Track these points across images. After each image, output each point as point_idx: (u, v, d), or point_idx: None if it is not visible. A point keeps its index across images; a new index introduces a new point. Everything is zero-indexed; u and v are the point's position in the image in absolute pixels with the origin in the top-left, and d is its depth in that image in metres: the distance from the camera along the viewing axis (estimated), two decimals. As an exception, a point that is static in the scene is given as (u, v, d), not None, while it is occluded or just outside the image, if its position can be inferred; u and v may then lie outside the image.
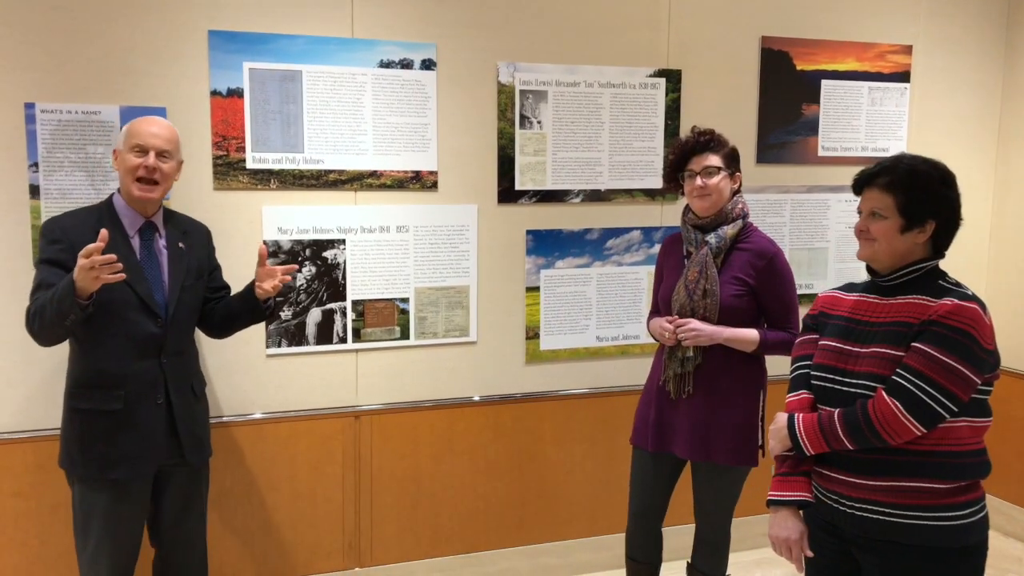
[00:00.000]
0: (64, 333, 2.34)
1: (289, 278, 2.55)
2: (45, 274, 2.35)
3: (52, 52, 2.78)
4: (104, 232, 2.16)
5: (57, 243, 2.37)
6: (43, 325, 2.28)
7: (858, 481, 1.96)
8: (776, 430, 2.07)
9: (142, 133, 2.41)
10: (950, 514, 1.90)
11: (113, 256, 2.15)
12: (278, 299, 3.01)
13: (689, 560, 2.90)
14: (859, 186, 2.07)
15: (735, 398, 2.70)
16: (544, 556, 3.54)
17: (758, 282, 2.67)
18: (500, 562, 3.48)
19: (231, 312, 2.64)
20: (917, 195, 1.95)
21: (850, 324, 2.04)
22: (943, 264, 2.04)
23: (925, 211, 1.96)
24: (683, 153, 2.73)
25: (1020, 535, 3.98)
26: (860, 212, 2.07)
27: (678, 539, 2.94)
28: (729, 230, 2.68)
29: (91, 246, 2.12)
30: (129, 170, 2.40)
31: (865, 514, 1.96)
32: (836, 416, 1.95)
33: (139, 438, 2.42)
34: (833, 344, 2.05)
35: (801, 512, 2.08)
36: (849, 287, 2.16)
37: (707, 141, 2.70)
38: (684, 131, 3.44)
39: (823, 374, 2.04)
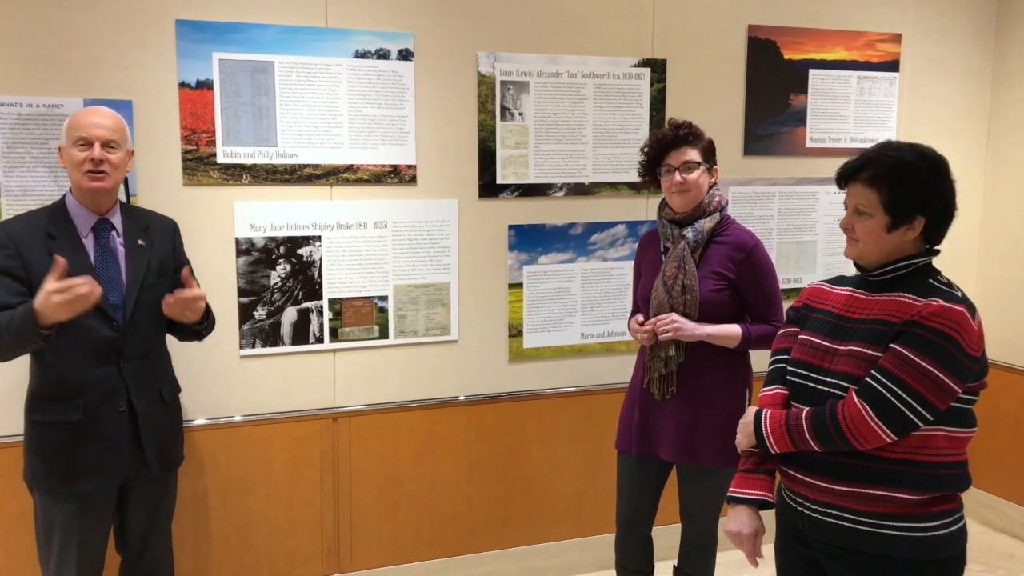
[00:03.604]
0: (21, 355, 2.25)
1: (201, 305, 2.36)
2: None
3: (11, 42, 2.66)
4: (62, 260, 2.06)
5: (4, 248, 2.26)
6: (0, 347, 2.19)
7: (824, 485, 1.86)
8: (743, 424, 1.99)
9: (84, 125, 2.29)
10: (922, 524, 1.79)
11: (91, 279, 2.06)
12: (251, 298, 2.93)
13: (675, 563, 2.83)
14: (842, 180, 1.94)
15: (720, 397, 2.63)
16: (530, 558, 3.46)
17: (738, 275, 2.59)
18: (484, 565, 3.40)
19: (173, 324, 2.50)
20: (903, 190, 1.81)
21: (832, 319, 1.94)
22: (938, 260, 1.92)
23: (913, 206, 1.82)
24: (660, 147, 2.65)
25: (1011, 530, 3.93)
26: (846, 208, 1.95)
27: (663, 539, 2.87)
28: (707, 223, 2.61)
29: (64, 281, 2.02)
30: (75, 165, 2.28)
31: (830, 520, 1.85)
32: (804, 416, 1.85)
33: (102, 449, 2.32)
34: (811, 339, 1.95)
35: (762, 512, 1.99)
36: (839, 280, 2.05)
37: (685, 135, 2.61)
38: (670, 122, 3.37)
39: (798, 370, 1.95)
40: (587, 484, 3.52)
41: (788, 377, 1.98)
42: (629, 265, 3.44)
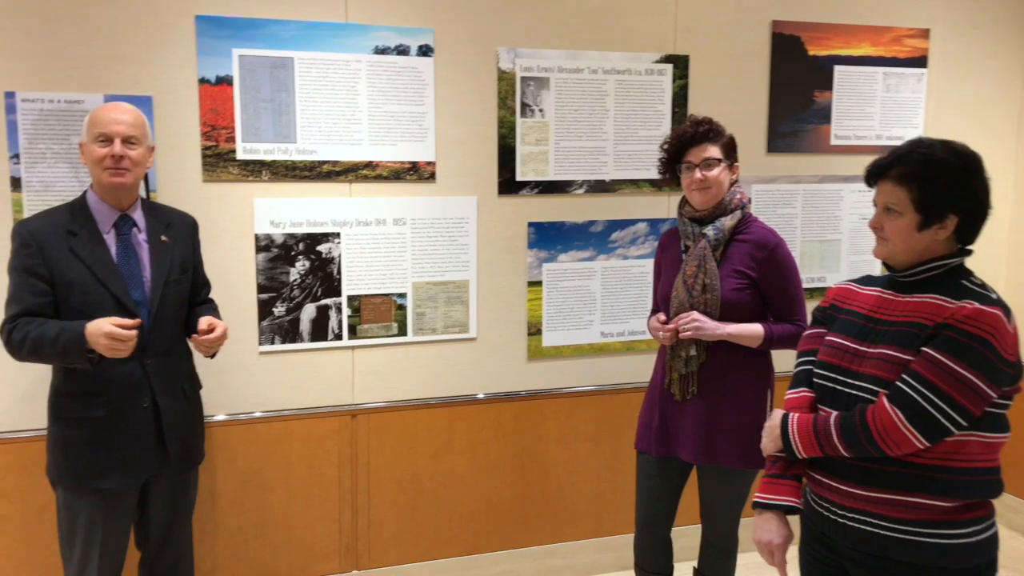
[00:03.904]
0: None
1: (225, 339, 2.45)
2: (16, 283, 2.27)
3: (33, 38, 2.67)
4: (139, 321, 2.20)
5: (26, 247, 2.27)
6: (34, 358, 2.24)
7: (852, 490, 1.82)
8: (769, 428, 1.95)
9: (104, 120, 2.29)
10: (953, 532, 1.74)
11: (134, 335, 2.16)
12: (271, 295, 2.93)
13: (696, 565, 2.80)
14: (871, 178, 1.89)
15: (741, 398, 2.59)
16: (547, 558, 3.44)
17: (760, 274, 2.55)
18: (502, 564, 3.39)
19: (192, 333, 2.52)
20: (934, 188, 1.76)
21: (861, 321, 1.89)
22: (971, 261, 1.87)
23: (944, 205, 1.77)
24: (680, 144, 2.62)
25: (1039, 535, 3.86)
26: (875, 206, 1.90)
27: (683, 541, 2.84)
28: (728, 221, 2.57)
29: (122, 328, 2.14)
30: (96, 161, 2.29)
31: (858, 525, 1.82)
32: (832, 420, 1.81)
33: (126, 445, 2.33)
34: (839, 341, 1.91)
35: (788, 517, 1.95)
36: (866, 280, 2.00)
37: (705, 131, 2.58)
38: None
39: (825, 372, 1.90)
40: (606, 484, 3.49)
41: (815, 380, 1.93)
42: (650, 263, 3.41)
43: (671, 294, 2.62)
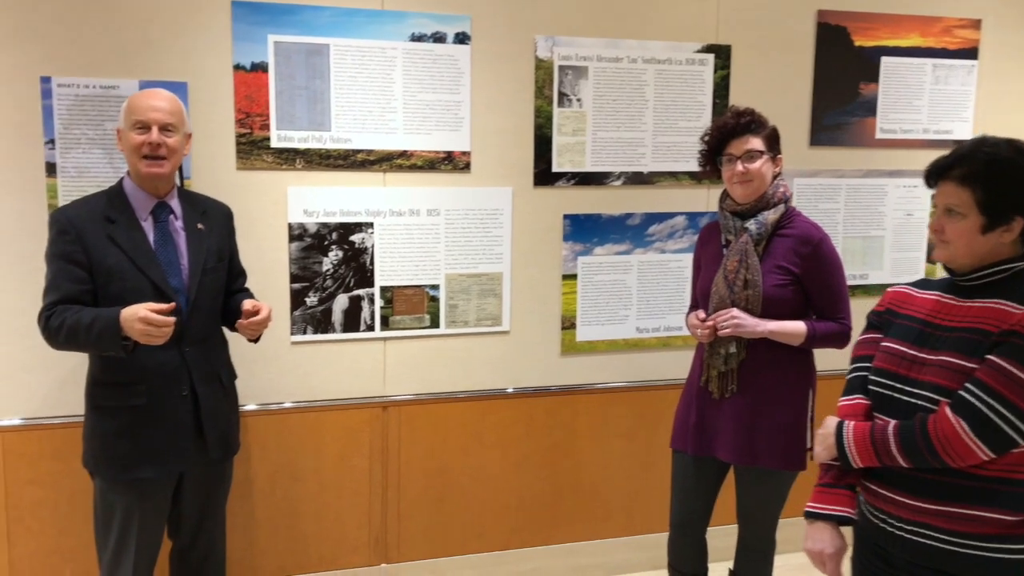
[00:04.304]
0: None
1: (270, 321, 2.42)
2: (55, 271, 2.25)
3: (68, 23, 2.66)
4: (174, 305, 2.17)
5: (64, 234, 2.25)
6: (70, 345, 2.22)
7: (911, 502, 1.74)
8: (823, 436, 1.88)
9: (142, 108, 2.27)
10: (1017, 547, 1.67)
11: (171, 321, 2.13)
12: (304, 284, 2.91)
13: (731, 567, 2.74)
14: (932, 178, 1.80)
15: (782, 397, 2.52)
16: (578, 556, 3.39)
17: (803, 270, 2.48)
18: (532, 561, 3.34)
19: (230, 321, 2.50)
20: (1000, 189, 1.68)
21: (919, 326, 1.81)
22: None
23: (1010, 207, 1.69)
24: (721, 136, 2.55)
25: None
26: (935, 207, 1.82)
27: (717, 541, 2.77)
28: (770, 215, 2.49)
29: (157, 314, 2.11)
30: (133, 148, 2.27)
31: (917, 539, 1.74)
32: (891, 429, 1.74)
33: (165, 434, 2.31)
34: (897, 347, 1.83)
35: (841, 528, 1.88)
36: (924, 283, 1.92)
37: (748, 123, 2.50)
38: (734, 111, 3.26)
39: (882, 379, 1.82)
40: (639, 482, 3.43)
41: (870, 387, 1.86)
42: (688, 258, 3.34)
43: (711, 290, 2.55)
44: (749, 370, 2.51)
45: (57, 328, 2.19)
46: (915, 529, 1.74)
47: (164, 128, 2.27)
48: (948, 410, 1.66)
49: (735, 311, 2.45)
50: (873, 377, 1.85)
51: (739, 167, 2.49)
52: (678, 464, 2.70)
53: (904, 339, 1.82)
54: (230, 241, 2.52)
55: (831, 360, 2.79)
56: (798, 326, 2.48)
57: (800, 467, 2.54)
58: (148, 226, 2.31)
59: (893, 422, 1.75)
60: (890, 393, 1.80)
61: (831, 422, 1.86)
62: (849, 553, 1.96)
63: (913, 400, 1.75)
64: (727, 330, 2.45)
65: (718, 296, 2.52)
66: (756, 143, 2.49)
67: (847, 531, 1.91)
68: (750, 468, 2.55)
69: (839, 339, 2.51)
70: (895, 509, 1.77)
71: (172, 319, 2.12)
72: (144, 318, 2.07)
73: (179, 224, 2.36)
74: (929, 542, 1.72)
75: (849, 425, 1.82)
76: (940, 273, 1.94)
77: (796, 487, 2.59)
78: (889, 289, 1.99)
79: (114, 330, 2.11)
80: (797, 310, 2.51)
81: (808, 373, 2.57)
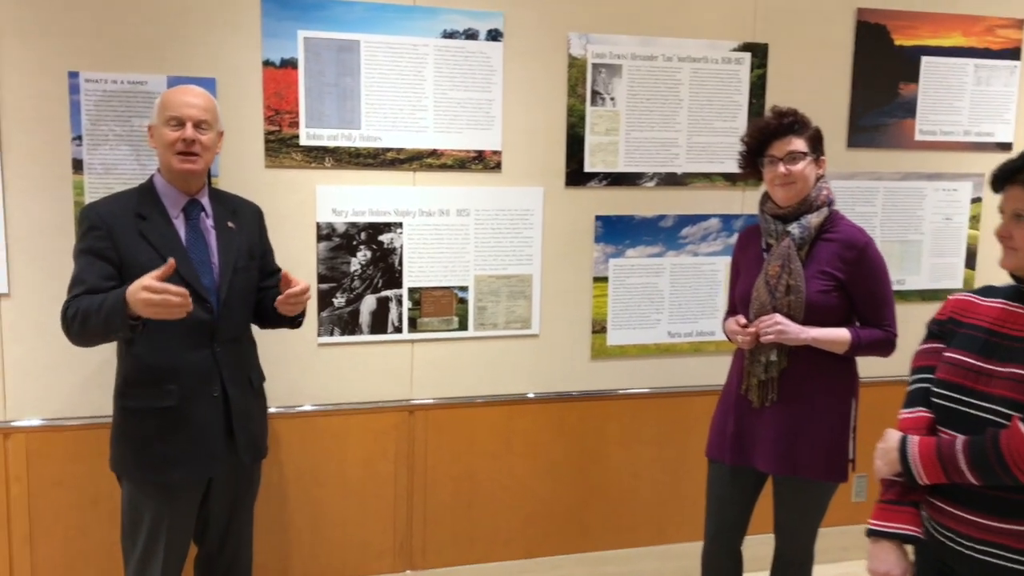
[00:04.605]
0: (105, 342, 2.19)
1: (308, 296, 2.30)
2: (83, 265, 2.19)
3: (97, 17, 2.61)
4: (172, 262, 2.00)
5: (95, 230, 2.19)
6: (84, 332, 2.12)
7: (982, 520, 1.67)
8: (885, 451, 1.80)
9: (176, 104, 2.22)
10: None
11: (185, 292, 1.98)
12: (331, 285, 2.85)
13: (768, 580, 2.67)
14: (999, 182, 1.72)
15: (824, 406, 2.45)
16: (607, 564, 3.32)
17: (848, 276, 2.40)
18: (560, 569, 3.27)
19: (267, 313, 2.44)
20: None
21: (985, 336, 1.73)
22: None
23: None
24: (762, 137, 2.47)
25: None
26: (1002, 213, 1.73)
27: (751, 551, 2.69)
28: (814, 219, 2.42)
29: (159, 281, 1.96)
30: (167, 145, 2.22)
31: (987, 559, 1.66)
32: (959, 445, 1.66)
33: (196, 436, 2.25)
34: (962, 358, 1.75)
35: (906, 547, 1.80)
36: (988, 291, 1.84)
37: (790, 123, 2.43)
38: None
39: (947, 392, 1.75)
40: (670, 490, 3.36)
41: (934, 399, 1.78)
42: (721, 261, 3.26)
43: (751, 295, 2.48)
44: (791, 378, 2.44)
45: (72, 317, 2.13)
46: (983, 548, 1.67)
47: (198, 125, 2.22)
48: (1021, 425, 1.59)
49: (778, 317, 2.38)
50: (937, 389, 1.77)
51: (781, 169, 2.41)
52: (714, 474, 2.63)
53: (969, 350, 1.74)
54: (261, 240, 2.46)
55: (873, 367, 2.70)
56: (842, 334, 2.40)
57: (842, 478, 2.46)
58: (179, 224, 2.26)
59: (962, 437, 1.67)
60: (956, 406, 1.72)
61: (893, 436, 1.78)
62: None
63: (982, 414, 1.67)
64: (770, 337, 2.38)
65: (759, 302, 2.45)
66: (799, 144, 2.41)
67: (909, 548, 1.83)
68: (789, 479, 2.48)
69: (884, 347, 2.44)
70: (962, 527, 1.70)
71: (176, 288, 1.97)
72: (148, 286, 1.95)
73: (210, 222, 2.30)
74: (998, 561, 1.65)
75: (913, 440, 1.74)
76: (980, 279, 1.86)
77: (834, 498, 2.51)
78: (951, 297, 1.91)
79: (120, 307, 2.00)
80: (841, 317, 2.43)
81: (851, 381, 2.49)
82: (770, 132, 2.46)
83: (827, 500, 2.52)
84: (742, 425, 2.52)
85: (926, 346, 1.88)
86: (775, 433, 2.45)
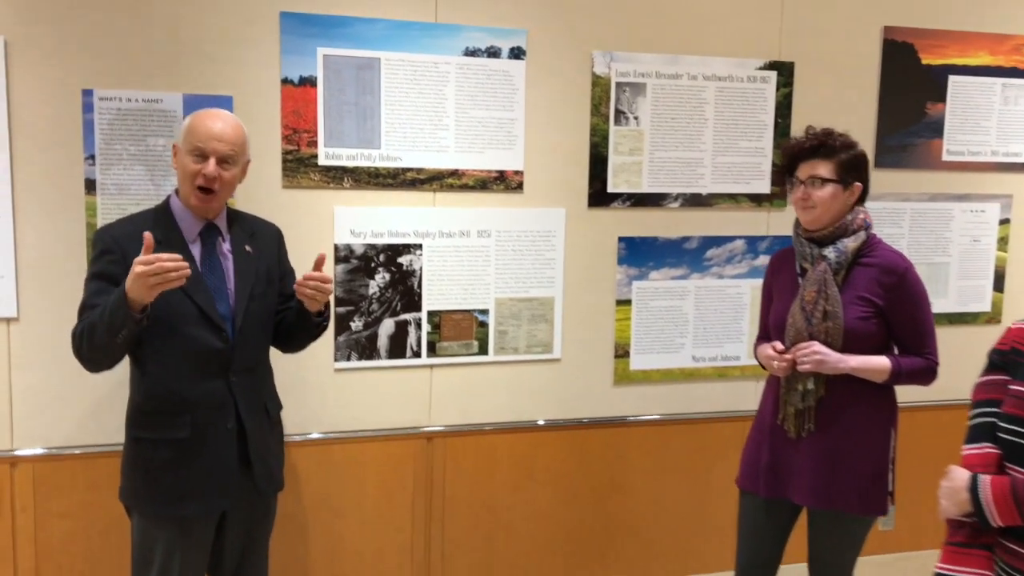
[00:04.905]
0: (115, 356, 2.08)
1: (330, 287, 2.19)
2: (93, 290, 2.10)
3: (111, 33, 2.54)
4: (148, 236, 1.92)
5: (108, 254, 2.11)
6: (92, 346, 2.03)
7: None
8: (952, 490, 1.71)
9: (203, 134, 2.11)
10: None
11: (179, 256, 1.91)
12: (349, 308, 2.76)
13: (803, 616, 2.57)
14: None
15: (863, 436, 2.36)
16: (629, 596, 3.22)
17: (887, 302, 2.32)
18: (581, 601, 3.18)
19: (289, 327, 2.36)
20: None
21: None
22: None
23: None
24: (791, 157, 2.41)
25: None
26: None
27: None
28: (850, 243, 2.34)
29: (147, 256, 1.89)
30: (186, 175, 2.12)
31: None
32: None
33: (209, 469, 2.16)
34: None
35: None
36: None
37: (815, 146, 2.36)
38: (796, 131, 3.11)
39: (1016, 427, 1.66)
40: (695, 520, 3.26)
41: (1001, 435, 1.69)
42: (746, 284, 3.19)
43: (786, 321, 2.39)
44: (828, 408, 2.35)
45: (79, 336, 2.05)
46: None
47: (223, 160, 2.12)
48: None
49: (817, 345, 2.29)
50: (1004, 424, 1.69)
51: (800, 192, 2.35)
52: (747, 506, 2.54)
53: None
54: (280, 263, 2.38)
55: (907, 392, 2.61)
56: (883, 362, 2.32)
57: (881, 512, 2.38)
58: (196, 249, 2.17)
59: None
60: None
61: (960, 474, 1.70)
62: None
63: None
64: (807, 366, 2.30)
65: (795, 328, 2.36)
66: (823, 169, 2.34)
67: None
68: (827, 512, 2.39)
69: (926, 376, 2.36)
70: None
71: (168, 254, 1.90)
72: (138, 260, 1.88)
73: (227, 247, 2.22)
74: None
75: (985, 479, 1.65)
76: (1008, 303, 1.77)
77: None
78: (1012, 325, 1.82)
79: (121, 301, 1.92)
80: (879, 344, 2.36)
81: (891, 411, 2.41)
82: (795, 153, 2.40)
83: (864, 534, 2.44)
84: (777, 456, 2.44)
85: (988, 378, 1.80)
86: (812, 464, 2.36)
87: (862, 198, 2.38)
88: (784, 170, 2.45)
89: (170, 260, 1.89)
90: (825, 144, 2.36)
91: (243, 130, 2.19)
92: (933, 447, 3.41)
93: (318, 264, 2.20)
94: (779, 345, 2.38)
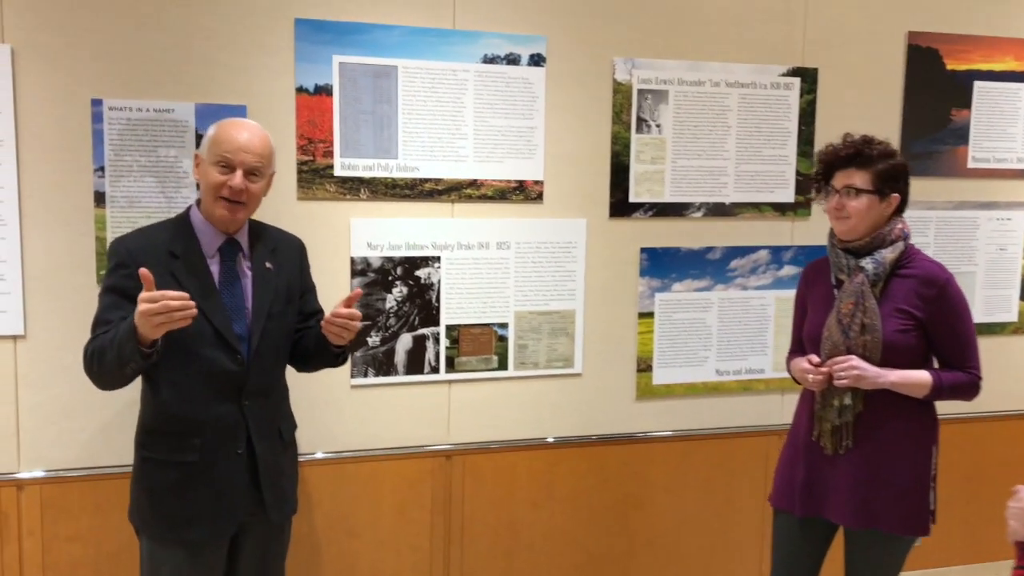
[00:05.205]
0: (126, 381, 2.00)
1: (357, 325, 2.10)
2: (106, 304, 2.02)
3: (121, 41, 2.46)
4: (145, 272, 1.82)
5: (122, 267, 2.01)
6: (102, 371, 1.95)
7: None
8: (1022, 511, 1.63)
9: (230, 145, 2.02)
10: None
11: (185, 295, 1.82)
12: (365, 322, 2.67)
13: (839, 639, 2.48)
14: None
15: (903, 453, 2.28)
16: (653, 617, 3.13)
17: (928, 314, 2.24)
18: (603, 623, 3.09)
19: (307, 351, 2.27)
20: None
21: None
22: None
23: None
24: (826, 165, 2.34)
25: None
26: None
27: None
28: (888, 254, 2.26)
29: (152, 292, 1.80)
30: (211, 187, 2.03)
31: None
32: None
33: (216, 494, 2.07)
34: None
35: None
36: None
37: (851, 155, 2.28)
38: (820, 138, 3.05)
39: None
40: (719, 537, 3.17)
41: None
42: (771, 295, 3.11)
43: (822, 334, 2.32)
44: (867, 423, 2.28)
45: (90, 355, 1.98)
46: None
47: (250, 172, 2.03)
48: None
49: (855, 360, 2.21)
50: None
51: (834, 202, 2.28)
52: (782, 526, 2.45)
53: None
54: (302, 278, 2.29)
55: (946, 404, 2.53)
56: (923, 376, 2.24)
57: (923, 532, 2.30)
58: (214, 264, 2.08)
59: None
60: None
61: None
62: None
63: None
64: (845, 382, 2.21)
65: (831, 342, 2.28)
66: (859, 179, 2.26)
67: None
68: (865, 531, 2.30)
69: (968, 391, 2.28)
70: None
71: (173, 292, 1.81)
72: (142, 298, 1.80)
73: (247, 264, 2.13)
74: None
75: None
76: None
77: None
78: None
79: (130, 333, 1.84)
80: (919, 358, 2.28)
81: (931, 426, 2.33)
82: (831, 161, 2.33)
83: (904, 554, 2.35)
84: (813, 473, 2.36)
85: None
86: (851, 482, 2.28)
87: (900, 209, 2.30)
88: (819, 177, 2.38)
89: (176, 299, 1.80)
90: (862, 153, 2.29)
91: (270, 141, 2.10)
92: (962, 460, 3.34)
93: (350, 301, 2.10)
94: (815, 358, 2.30)
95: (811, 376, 2.29)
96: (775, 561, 2.48)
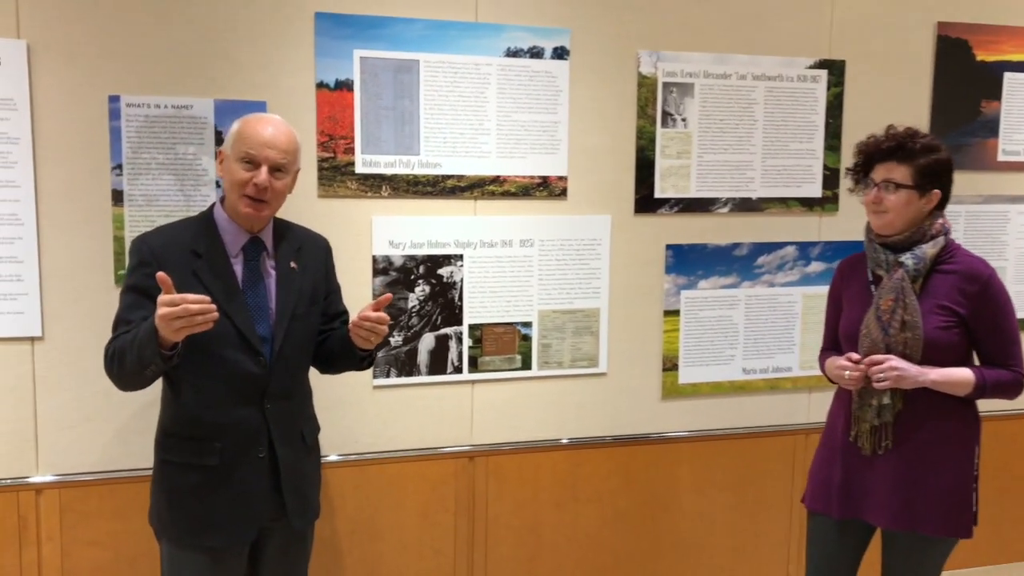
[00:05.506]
0: (146, 383, 1.95)
1: (386, 329, 2.05)
2: (127, 304, 1.97)
3: (139, 37, 2.41)
4: (163, 276, 1.77)
5: (144, 266, 1.96)
6: (122, 372, 1.90)
7: None
8: None
9: (255, 141, 1.96)
10: None
11: (206, 298, 1.77)
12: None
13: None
14: None
15: (944, 453, 2.22)
16: (679, 620, 3.08)
17: (970, 311, 2.18)
18: (629, 626, 3.03)
19: (332, 354, 2.22)
20: None
21: None
22: None
23: None
24: (867, 157, 2.27)
25: None
26: None
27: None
28: (929, 249, 2.20)
29: (172, 295, 1.75)
30: (235, 184, 1.97)
31: None
32: None
33: (236, 499, 2.02)
34: None
35: None
36: None
37: (892, 149, 2.21)
38: (848, 132, 3.00)
39: None
40: (746, 538, 3.12)
41: None
42: (799, 292, 3.05)
43: (860, 332, 2.25)
44: (906, 423, 2.21)
45: (111, 356, 1.93)
46: None
47: (275, 169, 1.98)
48: None
49: (894, 360, 2.15)
50: None
51: (872, 195, 2.22)
52: (818, 528, 2.39)
53: None
54: (327, 279, 2.23)
55: (986, 401, 2.47)
56: (965, 374, 2.18)
57: (965, 534, 2.23)
58: (238, 263, 2.02)
59: None
60: None
61: None
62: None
63: None
64: (885, 383, 2.15)
65: (870, 339, 2.22)
66: (899, 173, 2.20)
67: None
68: (906, 534, 2.24)
69: (1013, 389, 2.22)
70: None
71: (194, 296, 1.76)
72: (162, 301, 1.75)
73: (271, 263, 2.07)
74: None
75: None
76: None
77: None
78: None
79: (151, 336, 1.79)
80: (961, 355, 2.22)
81: (974, 425, 2.27)
82: (871, 153, 2.27)
83: (945, 557, 2.29)
84: (850, 474, 2.30)
85: None
86: (891, 483, 2.22)
87: (942, 204, 2.24)
88: (858, 168, 2.31)
89: (196, 302, 1.75)
90: (904, 147, 2.22)
91: (295, 137, 2.05)
92: (991, 458, 3.28)
93: (379, 304, 2.05)
94: (855, 355, 2.23)
95: (848, 373, 2.22)
96: (811, 564, 2.42)
